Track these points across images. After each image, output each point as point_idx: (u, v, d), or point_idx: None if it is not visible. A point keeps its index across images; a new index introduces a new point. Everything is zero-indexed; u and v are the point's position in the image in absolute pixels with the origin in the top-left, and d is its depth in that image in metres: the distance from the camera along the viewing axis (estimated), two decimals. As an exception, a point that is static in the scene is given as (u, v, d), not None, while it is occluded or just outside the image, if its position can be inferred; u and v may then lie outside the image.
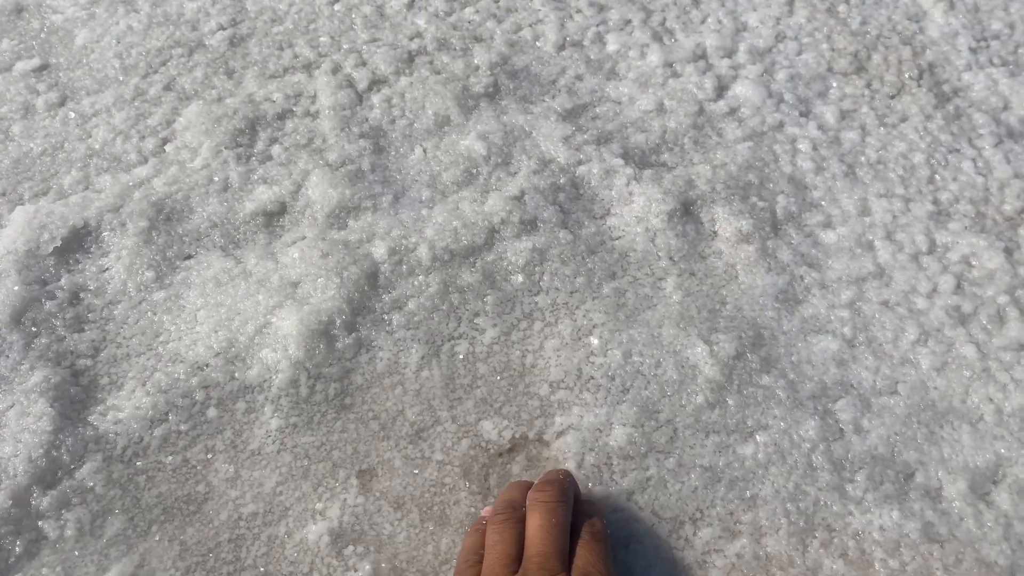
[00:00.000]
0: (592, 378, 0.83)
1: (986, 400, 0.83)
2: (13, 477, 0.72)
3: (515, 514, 0.67)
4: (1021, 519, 0.76)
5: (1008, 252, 0.93)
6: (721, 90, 1.09)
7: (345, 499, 0.74)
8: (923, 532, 0.75)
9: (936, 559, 0.73)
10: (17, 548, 0.70)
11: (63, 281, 0.85)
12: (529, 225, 0.93)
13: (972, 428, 0.81)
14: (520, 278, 0.89)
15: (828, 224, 0.96)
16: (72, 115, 1.00)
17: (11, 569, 0.69)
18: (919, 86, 1.11)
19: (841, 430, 0.80)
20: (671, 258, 0.92)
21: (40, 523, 0.71)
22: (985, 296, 0.90)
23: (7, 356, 0.79)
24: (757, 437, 0.79)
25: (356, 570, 0.71)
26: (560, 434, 0.79)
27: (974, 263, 0.93)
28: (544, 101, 1.06)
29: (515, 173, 0.97)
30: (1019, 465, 0.79)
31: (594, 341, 0.85)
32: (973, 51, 1.14)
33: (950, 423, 0.82)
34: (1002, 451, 0.80)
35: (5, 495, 0.71)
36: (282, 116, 1.01)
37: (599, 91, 1.07)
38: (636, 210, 0.95)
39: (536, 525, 0.65)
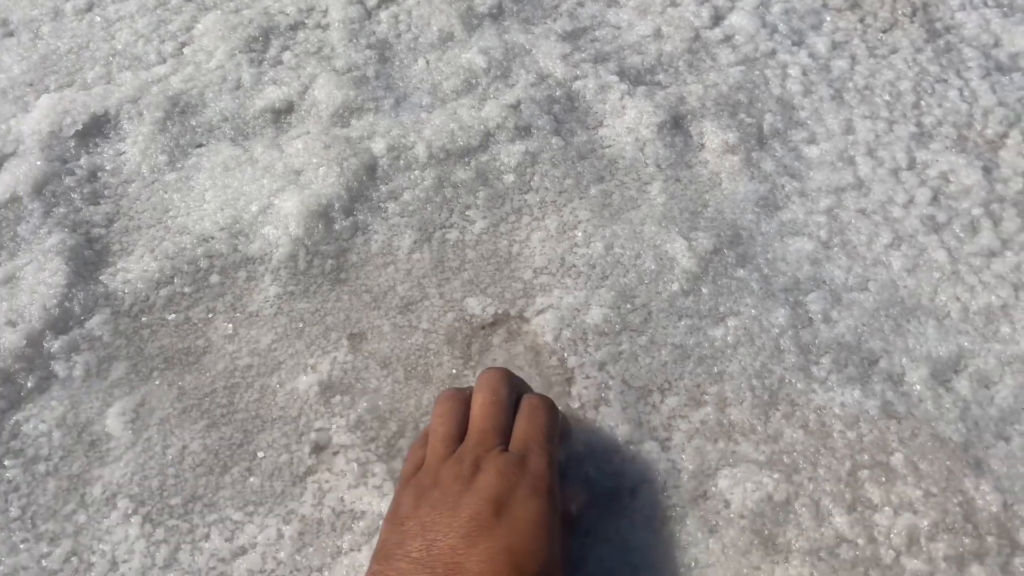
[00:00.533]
0: (574, 266, 0.87)
1: (953, 299, 0.86)
2: (28, 321, 0.78)
3: (460, 394, 0.67)
4: (979, 404, 0.79)
5: (986, 170, 0.96)
6: (717, 19, 1.13)
7: (335, 357, 0.79)
8: (882, 409, 0.78)
9: (893, 433, 0.77)
10: (29, 383, 0.76)
11: (82, 161, 0.91)
12: (523, 131, 0.97)
13: (938, 323, 0.85)
14: (511, 177, 0.94)
15: (812, 140, 1.00)
16: (98, 19, 1.06)
17: (23, 400, 0.75)
18: (912, 22, 1.14)
19: (810, 319, 0.84)
20: (658, 165, 0.96)
21: (51, 363, 0.77)
22: (960, 208, 0.93)
23: (28, 221, 0.85)
24: (728, 322, 0.83)
25: (342, 416, 0.75)
26: (540, 312, 0.84)
27: (952, 179, 0.96)
28: (545, 23, 1.10)
29: (513, 85, 1.02)
30: (980, 357, 0.82)
31: (578, 234, 0.90)
32: (967, -8, 1.17)
33: (917, 318, 0.85)
34: (965, 344, 0.83)
35: (20, 336, 0.77)
36: (294, 27, 1.07)
37: (599, 16, 1.12)
38: (628, 122, 0.99)
39: (479, 403, 0.65)
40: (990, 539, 0.70)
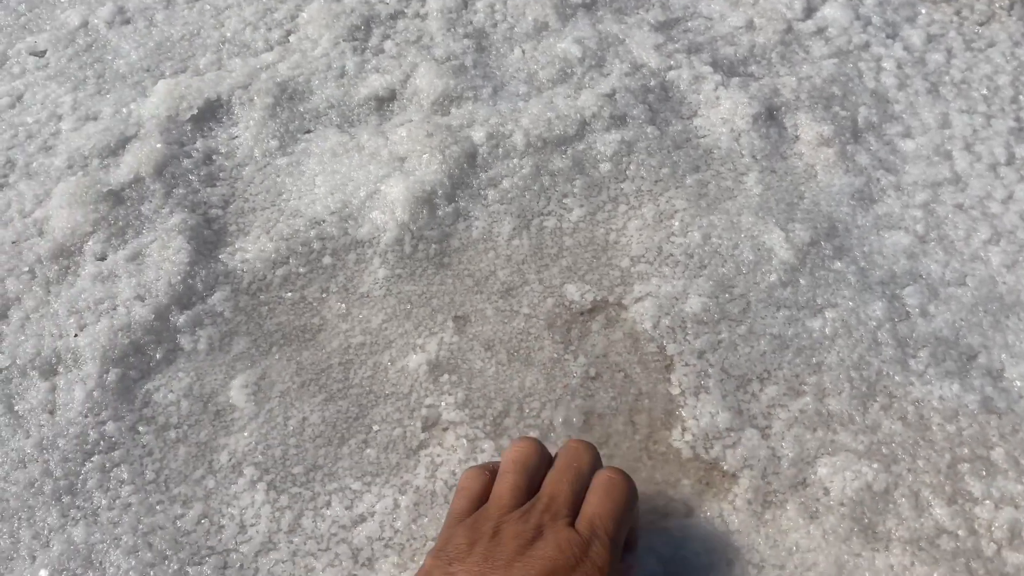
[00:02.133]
0: (671, 255, 0.89)
1: (1054, 296, 0.86)
2: (155, 297, 0.82)
3: (538, 447, 0.65)
4: (1080, 401, 0.79)
5: (1087, 167, 0.95)
6: (810, 11, 1.13)
7: (442, 338, 0.82)
8: (982, 404, 0.79)
9: (993, 428, 0.77)
10: (158, 355, 0.80)
11: (198, 144, 0.95)
12: (619, 120, 0.99)
13: (1037, 320, 0.85)
14: (608, 166, 0.96)
15: (907, 134, 1.00)
16: (208, 7, 1.10)
17: (152, 371, 0.80)
18: (1009, 15, 1.13)
19: (907, 313, 0.85)
20: (753, 156, 0.97)
21: (177, 336, 0.81)
22: (1060, 205, 0.93)
23: (151, 201, 0.90)
24: (826, 313, 0.84)
25: (450, 395, 0.79)
26: (638, 300, 0.86)
27: (1052, 175, 0.95)
28: (638, 13, 1.12)
29: (608, 74, 1.03)
30: (1082, 355, 0.82)
31: (675, 223, 0.91)
32: (1067, -16, 1.16)
33: (1016, 314, 0.85)
34: (1066, 342, 0.83)
35: (149, 310, 0.81)
36: (394, 16, 1.10)
37: (692, 7, 1.13)
38: (722, 112, 1.00)
39: (559, 466, 0.63)
40: (1093, 535, 0.71)
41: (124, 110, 0.98)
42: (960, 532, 0.71)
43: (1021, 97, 1.03)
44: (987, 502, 0.73)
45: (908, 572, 0.69)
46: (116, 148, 0.94)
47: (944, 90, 1.04)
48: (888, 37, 1.10)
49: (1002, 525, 0.71)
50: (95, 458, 0.74)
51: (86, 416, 0.76)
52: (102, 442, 0.75)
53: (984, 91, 1.04)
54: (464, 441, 0.76)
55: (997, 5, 1.14)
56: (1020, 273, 0.88)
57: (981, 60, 1.07)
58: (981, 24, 1.12)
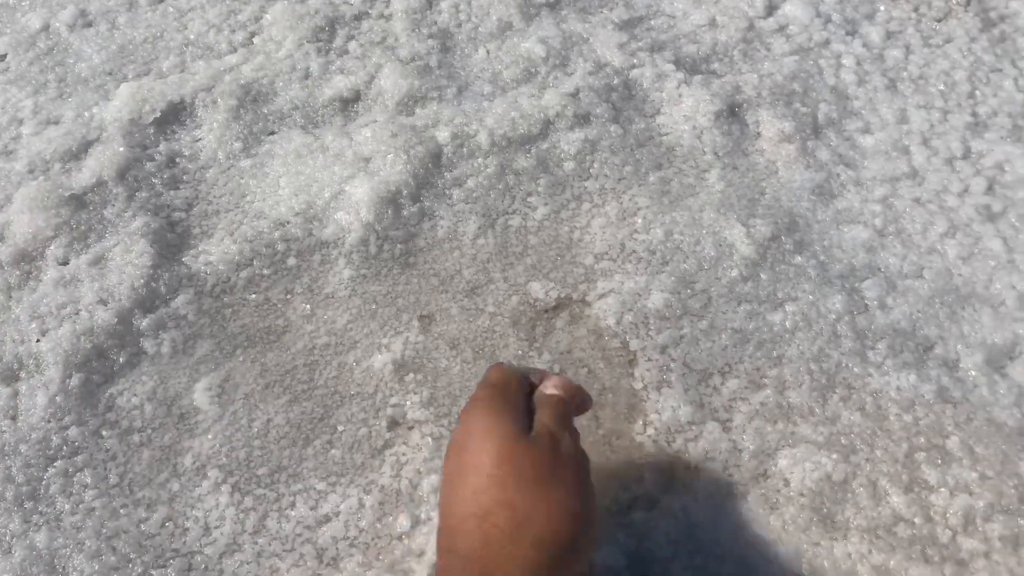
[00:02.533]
0: (634, 252, 0.90)
1: (1009, 287, 0.88)
2: (118, 300, 0.82)
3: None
4: (1033, 390, 0.81)
5: (1042, 160, 0.97)
6: (771, 8, 1.14)
7: (407, 337, 0.83)
8: (938, 394, 0.80)
9: (948, 417, 0.79)
10: (121, 359, 0.80)
11: (161, 147, 0.95)
12: (582, 119, 1.00)
13: (993, 311, 0.86)
14: (572, 164, 0.96)
15: (867, 130, 1.01)
16: (171, 9, 1.10)
17: (116, 375, 0.79)
18: (966, 11, 1.15)
19: (866, 305, 0.86)
20: (715, 153, 0.98)
21: (140, 340, 0.81)
22: (1016, 197, 0.95)
23: (113, 205, 0.90)
24: (786, 307, 0.85)
25: (416, 393, 0.79)
26: (602, 296, 0.86)
27: (1007, 168, 0.97)
28: (602, 12, 1.12)
29: (571, 73, 1.04)
30: (1035, 345, 0.84)
31: (638, 221, 0.92)
32: (1022, -19, 1.18)
33: (972, 306, 0.87)
34: (1021, 332, 0.85)
35: (112, 314, 0.81)
36: (359, 17, 1.10)
37: (654, 5, 1.14)
38: (685, 110, 1.01)
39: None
40: (1045, 520, 0.72)
41: (86, 114, 0.98)
42: (916, 520, 0.73)
43: (977, 92, 1.05)
44: (942, 490, 0.74)
45: (866, 560, 0.71)
46: (78, 152, 0.94)
47: (902, 86, 1.06)
48: (848, 34, 1.11)
49: (957, 512, 0.72)
50: (58, 463, 0.74)
51: (49, 421, 0.76)
52: (65, 447, 0.75)
53: (941, 87, 1.06)
54: (429, 439, 0.77)
55: (954, 1, 1.16)
56: (975, 265, 0.90)
57: (938, 56, 1.09)
58: (938, 20, 1.14)
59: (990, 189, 0.95)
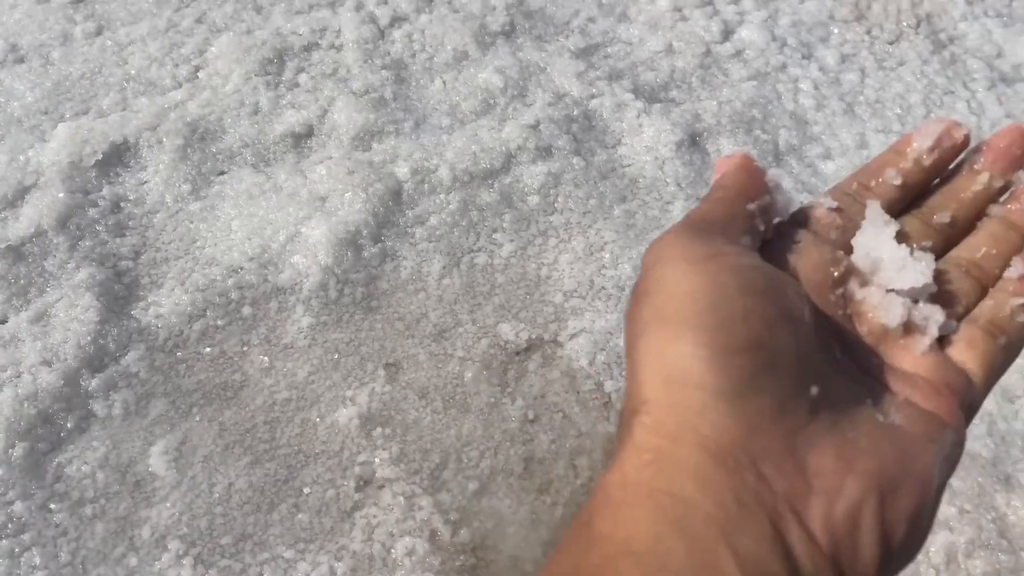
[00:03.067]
0: (603, 288, 0.88)
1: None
2: (64, 360, 0.77)
3: None
4: (1004, 418, 0.81)
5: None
6: (727, 33, 1.14)
7: (373, 388, 0.80)
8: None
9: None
10: (69, 424, 0.75)
11: (104, 191, 0.90)
12: (544, 152, 0.98)
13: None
14: (536, 199, 0.94)
15: (827, 155, 1.01)
16: (109, 43, 1.04)
17: (63, 442, 0.75)
18: (916, 34, 1.16)
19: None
20: (678, 184, 0.97)
21: (89, 402, 0.77)
22: (975, 222, 0.95)
23: (54, 255, 0.84)
24: (758, 342, 0.84)
25: (384, 449, 0.76)
26: (573, 336, 0.84)
27: (965, 193, 0.98)
28: (558, 40, 1.11)
29: (531, 104, 1.02)
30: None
31: (605, 256, 0.91)
32: (969, 3, 1.19)
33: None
34: (988, 359, 0.85)
35: (57, 376, 0.76)
36: (308, 48, 1.06)
37: (611, 32, 1.12)
38: (646, 140, 1.00)
39: None
40: (1024, 554, 0.72)
41: (21, 157, 0.92)
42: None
43: (932, 115, 1.06)
44: (924, 527, 0.74)
45: None
46: (14, 199, 0.88)
47: (859, 110, 1.06)
48: (804, 58, 1.12)
49: (938, 550, 0.72)
50: (3, 543, 0.69)
51: (-9, 496, 0.71)
52: (10, 524, 0.70)
53: (898, 110, 1.06)
54: (401, 499, 0.73)
55: (904, 24, 1.17)
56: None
57: (893, 79, 1.10)
58: (891, 43, 1.15)
59: (950, 214, 0.96)
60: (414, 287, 0.87)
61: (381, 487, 0.74)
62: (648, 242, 0.90)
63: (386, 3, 1.11)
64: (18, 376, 0.77)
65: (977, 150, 0.37)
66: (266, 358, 0.81)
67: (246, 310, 0.84)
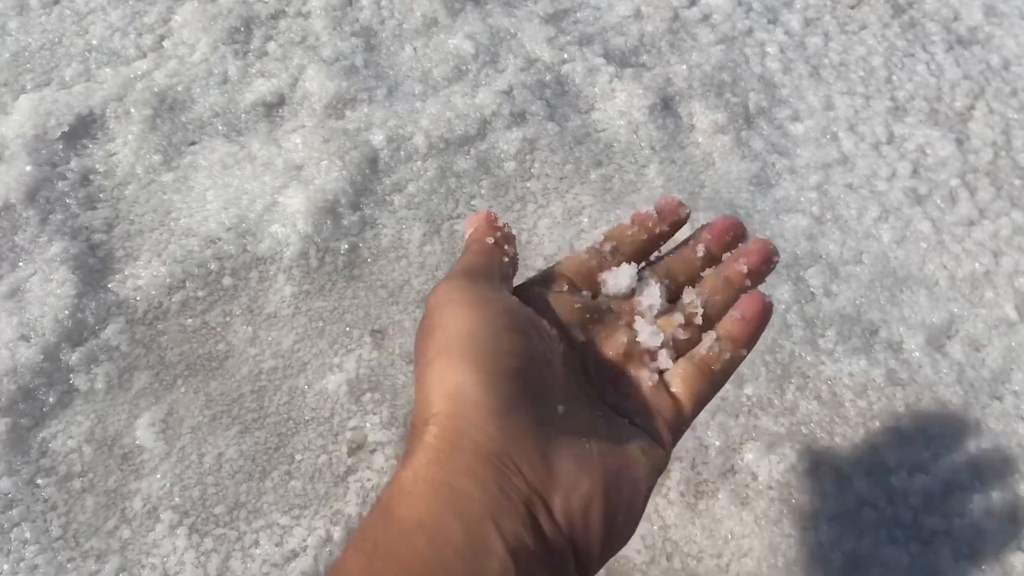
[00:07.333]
0: (584, 251, 0.89)
1: (941, 268, 0.91)
2: (42, 335, 0.76)
3: None
4: (972, 366, 0.84)
5: (959, 142, 1.01)
6: (694, -2, 1.15)
7: (360, 354, 0.79)
8: (887, 377, 0.82)
9: (899, 399, 0.81)
10: (51, 399, 0.74)
11: (73, 164, 0.88)
12: (519, 117, 0.98)
13: (928, 291, 0.89)
14: (512, 165, 0.94)
15: (796, 117, 1.03)
16: (68, 12, 1.01)
17: (47, 417, 0.73)
18: (876, -3, 1.18)
19: (812, 293, 0.88)
20: (652, 147, 0.98)
21: (71, 376, 0.75)
22: (939, 180, 0.98)
23: (25, 230, 0.82)
24: (737, 300, 0.86)
25: (375, 414, 0.76)
26: (556, 299, 0.85)
27: (928, 152, 1.01)
28: (527, 5, 1.10)
29: (503, 70, 1.02)
30: (969, 322, 0.88)
31: (584, 220, 0.91)
32: (926, -34, 1.22)
33: (909, 287, 0.90)
34: (955, 310, 0.88)
35: (36, 351, 0.74)
36: (275, 16, 1.04)
37: (579, -2, 1.13)
38: (619, 105, 1.01)
39: None
40: (995, 495, 0.76)
41: (-17, 130, 0.89)
42: (880, 503, 0.74)
43: (894, 78, 1.08)
44: (901, 471, 0.76)
45: (837, 547, 0.72)
46: (-22, 173, 0.86)
47: (825, 73, 1.08)
48: (769, 22, 1.13)
49: (917, 492, 0.75)
50: (-10, 520, 0.68)
51: (-26, 474, 0.69)
52: (-4, 501, 0.69)
53: (861, 72, 1.09)
54: (394, 461, 0.74)
55: (865, -12, 1.19)
56: (908, 248, 0.92)
57: (855, 42, 1.12)
58: (852, 7, 1.17)
59: (915, 172, 0.99)
60: (395, 254, 0.87)
61: (373, 451, 0.74)
62: (626, 205, 0.92)
63: (352, -30, 1.10)
64: (-5, 352, 0.75)
65: (702, 228, 0.51)
66: (249, 328, 0.80)
67: (226, 280, 0.83)
